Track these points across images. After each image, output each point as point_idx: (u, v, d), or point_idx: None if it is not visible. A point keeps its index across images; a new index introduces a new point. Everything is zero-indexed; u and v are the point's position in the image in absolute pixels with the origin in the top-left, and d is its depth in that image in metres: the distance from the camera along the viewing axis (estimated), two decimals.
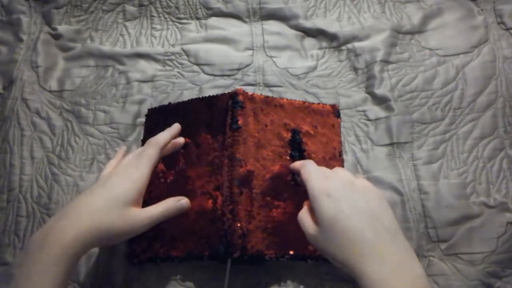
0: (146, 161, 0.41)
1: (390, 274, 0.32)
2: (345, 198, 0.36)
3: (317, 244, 0.36)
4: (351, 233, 0.33)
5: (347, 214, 0.34)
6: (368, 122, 0.55)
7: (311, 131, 0.51)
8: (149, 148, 0.43)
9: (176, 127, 0.48)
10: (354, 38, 0.60)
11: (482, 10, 0.63)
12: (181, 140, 0.49)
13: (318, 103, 0.54)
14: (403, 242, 0.34)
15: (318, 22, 0.61)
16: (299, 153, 0.49)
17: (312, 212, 0.37)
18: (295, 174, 0.48)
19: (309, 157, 0.49)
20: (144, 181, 0.40)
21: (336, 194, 0.36)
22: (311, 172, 0.39)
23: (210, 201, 0.45)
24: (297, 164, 0.43)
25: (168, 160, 0.49)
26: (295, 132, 0.50)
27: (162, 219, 0.40)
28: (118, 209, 0.38)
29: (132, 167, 0.41)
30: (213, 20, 0.63)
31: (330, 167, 0.50)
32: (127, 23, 0.65)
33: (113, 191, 0.38)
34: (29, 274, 0.33)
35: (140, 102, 0.58)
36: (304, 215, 0.39)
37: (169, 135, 0.46)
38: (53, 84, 0.60)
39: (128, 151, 0.54)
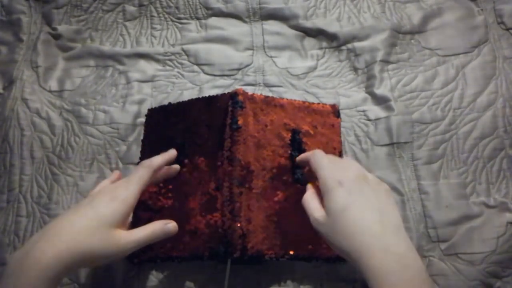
0: (136, 182, 0.40)
1: (394, 267, 0.32)
2: (357, 190, 0.36)
3: (322, 230, 0.36)
4: (360, 224, 0.34)
5: (358, 206, 0.35)
6: (368, 122, 0.55)
7: (311, 131, 0.51)
8: (141, 169, 0.41)
9: (171, 153, 0.47)
10: (354, 38, 0.60)
11: (482, 10, 0.63)
12: (176, 167, 0.47)
13: (318, 103, 0.54)
14: (406, 237, 0.35)
15: (318, 22, 0.61)
16: (299, 153, 0.49)
17: (319, 197, 0.38)
18: (297, 170, 0.48)
19: None
20: (132, 202, 0.38)
21: (349, 185, 0.36)
22: (323, 159, 0.39)
23: (210, 201, 0.45)
24: (306, 154, 0.42)
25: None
26: (295, 132, 0.50)
27: (148, 242, 0.39)
28: (102, 230, 0.36)
29: (121, 187, 0.39)
30: (213, 20, 0.63)
31: None
32: (127, 23, 0.64)
33: (99, 210, 0.37)
34: None
35: (140, 102, 0.58)
36: (310, 199, 0.39)
37: (163, 160, 0.44)
38: (53, 84, 0.60)
39: (128, 151, 0.54)
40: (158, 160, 0.43)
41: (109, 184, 0.41)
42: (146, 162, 0.42)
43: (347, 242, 0.34)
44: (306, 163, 0.42)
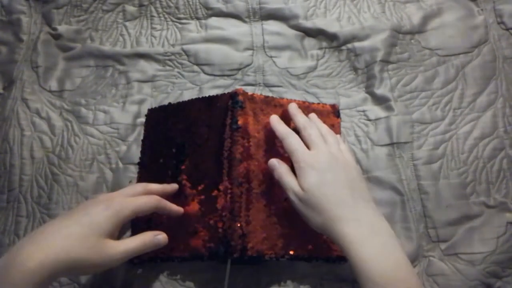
0: (137, 204, 0.39)
1: (367, 233, 0.37)
2: (328, 170, 0.40)
3: (299, 205, 0.40)
4: (333, 197, 0.38)
5: (331, 183, 0.39)
6: (368, 122, 0.55)
7: None
8: (149, 198, 0.41)
9: (174, 187, 0.47)
10: (354, 38, 0.60)
11: (482, 10, 0.63)
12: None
13: (318, 103, 0.54)
14: (375, 208, 0.40)
15: (318, 22, 0.61)
16: None
17: (294, 172, 0.41)
18: None
19: None
20: (126, 216, 0.38)
21: (320, 167, 0.40)
22: (294, 143, 0.42)
23: (210, 201, 0.45)
24: (278, 131, 0.44)
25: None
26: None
27: (137, 253, 0.38)
28: (92, 239, 0.35)
29: (119, 199, 0.39)
30: (213, 20, 0.63)
31: None
32: (127, 23, 0.64)
33: (92, 218, 0.36)
34: None
35: (140, 102, 0.58)
36: (286, 174, 0.42)
37: (172, 208, 0.44)
38: (53, 84, 0.60)
39: (128, 151, 0.54)
40: (168, 203, 0.43)
41: (111, 193, 0.41)
42: (157, 197, 0.42)
43: (322, 215, 0.38)
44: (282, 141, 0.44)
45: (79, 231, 0.35)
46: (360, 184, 0.41)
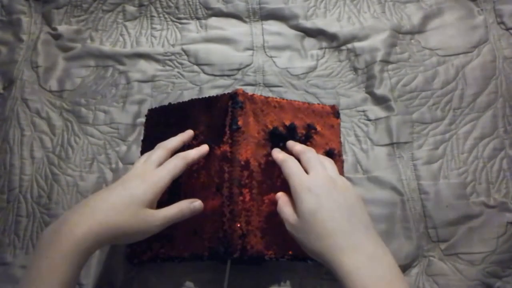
0: (169, 170, 0.41)
1: (365, 263, 0.34)
2: (325, 193, 0.38)
3: (296, 234, 0.38)
4: (330, 224, 0.36)
5: (327, 207, 0.37)
6: (368, 122, 0.55)
7: (311, 132, 0.51)
8: (176, 160, 0.42)
9: (190, 133, 0.48)
10: (354, 38, 0.60)
11: (482, 10, 0.63)
12: (205, 148, 0.47)
13: (318, 104, 0.54)
14: (375, 235, 0.37)
15: (318, 22, 0.61)
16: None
17: (293, 203, 0.39)
18: None
19: None
20: (162, 186, 0.40)
21: (317, 190, 0.38)
22: (292, 167, 0.41)
23: (211, 201, 0.45)
24: (277, 158, 0.43)
25: None
26: (292, 128, 0.50)
27: (175, 220, 0.40)
28: (133, 208, 0.37)
29: (154, 171, 0.41)
30: (213, 20, 0.63)
31: None
32: (127, 23, 0.64)
33: (131, 190, 0.38)
34: (39, 268, 0.33)
35: (140, 102, 0.58)
36: (284, 205, 0.40)
37: (197, 151, 0.45)
38: (53, 84, 0.60)
39: (128, 151, 0.54)
40: (193, 152, 0.44)
41: (143, 166, 0.42)
42: (182, 154, 0.43)
43: (319, 243, 0.36)
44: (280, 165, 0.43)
45: (120, 201, 0.37)
46: (360, 209, 0.39)
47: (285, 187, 0.47)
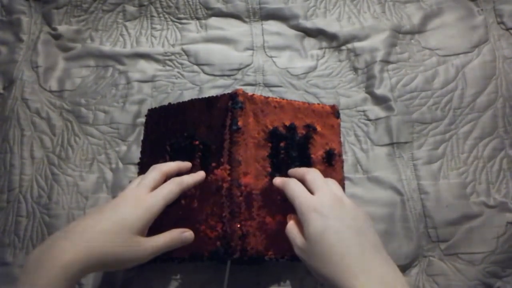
0: (164, 196, 0.39)
1: (376, 286, 0.32)
2: (332, 214, 0.36)
3: (304, 258, 0.37)
4: (339, 247, 0.34)
5: (335, 229, 0.35)
6: (368, 122, 0.55)
7: (311, 132, 0.51)
8: (172, 185, 0.41)
9: (188, 165, 0.46)
10: (354, 38, 0.60)
11: (482, 10, 0.63)
12: (201, 174, 0.46)
13: (318, 104, 0.54)
14: (386, 255, 0.35)
15: (318, 22, 0.61)
16: (298, 152, 0.49)
17: (300, 225, 0.38)
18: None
19: (309, 158, 0.49)
20: (155, 212, 0.38)
21: (324, 210, 0.36)
22: (295, 189, 0.39)
23: (210, 202, 0.45)
24: (279, 183, 0.42)
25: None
26: (291, 128, 0.50)
27: (166, 249, 0.39)
28: (123, 235, 0.36)
29: (148, 195, 0.39)
30: (213, 20, 0.63)
31: (329, 168, 0.50)
32: (127, 23, 0.64)
33: (123, 216, 0.37)
34: None
35: (140, 102, 0.58)
36: (292, 228, 0.39)
37: (193, 178, 0.44)
38: (53, 84, 0.60)
39: (128, 151, 0.54)
40: (188, 179, 0.43)
41: (136, 189, 0.40)
42: (177, 179, 0.42)
43: (326, 265, 0.34)
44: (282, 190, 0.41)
45: (111, 228, 0.36)
46: (369, 229, 0.37)
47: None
